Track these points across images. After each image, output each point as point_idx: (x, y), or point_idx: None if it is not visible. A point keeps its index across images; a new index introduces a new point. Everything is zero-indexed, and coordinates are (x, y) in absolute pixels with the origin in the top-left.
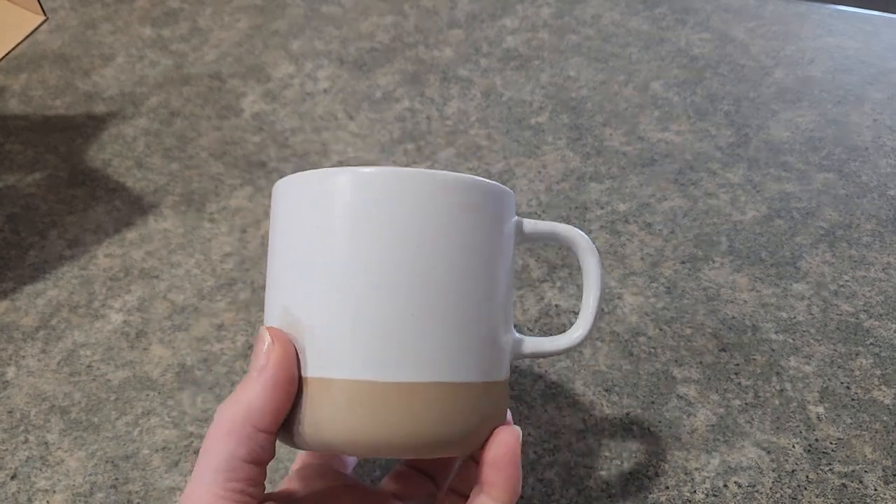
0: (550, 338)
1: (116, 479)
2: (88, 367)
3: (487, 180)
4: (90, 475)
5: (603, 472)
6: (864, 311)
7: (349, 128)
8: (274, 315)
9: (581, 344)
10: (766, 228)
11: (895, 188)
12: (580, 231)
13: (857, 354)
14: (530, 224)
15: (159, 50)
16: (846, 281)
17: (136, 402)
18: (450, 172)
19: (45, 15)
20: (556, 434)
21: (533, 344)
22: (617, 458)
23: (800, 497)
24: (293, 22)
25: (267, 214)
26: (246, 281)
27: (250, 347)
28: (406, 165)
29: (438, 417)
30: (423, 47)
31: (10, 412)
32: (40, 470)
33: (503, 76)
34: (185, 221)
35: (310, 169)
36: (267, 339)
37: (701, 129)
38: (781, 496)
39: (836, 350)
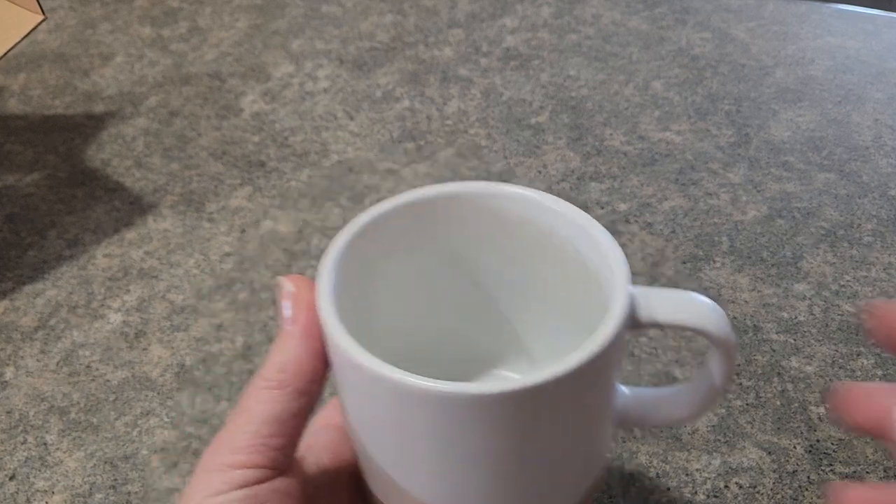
0: (655, 395)
1: (115, 479)
2: (87, 367)
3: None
4: (89, 476)
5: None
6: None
7: (349, 127)
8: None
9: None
10: (767, 228)
11: None
12: (709, 304)
13: (858, 355)
14: (648, 315)
15: (159, 49)
16: (847, 281)
17: (135, 403)
18: (544, 375)
19: (44, 14)
20: None
21: (640, 412)
22: (617, 458)
23: (801, 498)
24: (293, 21)
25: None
26: (245, 281)
27: (250, 348)
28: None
29: None
30: (423, 47)
31: (8, 412)
32: (39, 470)
33: (503, 76)
34: (184, 221)
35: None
36: (288, 286)
37: (701, 129)
38: (783, 497)
39: (837, 350)
